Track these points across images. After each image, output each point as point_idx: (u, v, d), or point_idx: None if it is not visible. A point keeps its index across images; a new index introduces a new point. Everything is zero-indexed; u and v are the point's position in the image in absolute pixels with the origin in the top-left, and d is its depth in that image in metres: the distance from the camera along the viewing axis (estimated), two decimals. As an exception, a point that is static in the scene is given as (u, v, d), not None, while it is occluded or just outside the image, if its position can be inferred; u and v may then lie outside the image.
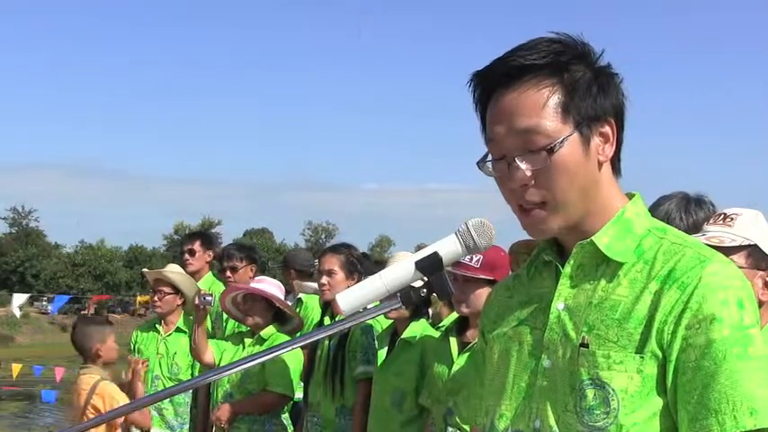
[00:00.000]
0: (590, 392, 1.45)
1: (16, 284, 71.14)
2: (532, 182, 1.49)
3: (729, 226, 2.50)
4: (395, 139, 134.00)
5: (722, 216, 2.55)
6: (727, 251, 2.36)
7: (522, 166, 1.48)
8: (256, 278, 5.31)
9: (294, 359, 4.91)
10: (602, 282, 1.51)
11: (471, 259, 3.53)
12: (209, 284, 6.16)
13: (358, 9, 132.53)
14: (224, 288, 5.91)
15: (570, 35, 1.52)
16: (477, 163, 1.55)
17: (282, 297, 5.14)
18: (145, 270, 6.33)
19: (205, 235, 6.64)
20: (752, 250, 2.44)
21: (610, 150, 1.52)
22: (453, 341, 3.71)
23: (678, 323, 1.41)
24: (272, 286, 5.08)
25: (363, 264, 4.80)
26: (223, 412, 4.80)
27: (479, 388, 1.74)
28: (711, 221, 2.58)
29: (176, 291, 5.87)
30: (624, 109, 1.56)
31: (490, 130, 1.53)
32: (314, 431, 4.57)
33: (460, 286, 3.58)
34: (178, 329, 5.86)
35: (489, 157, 1.54)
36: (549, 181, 1.48)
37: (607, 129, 1.52)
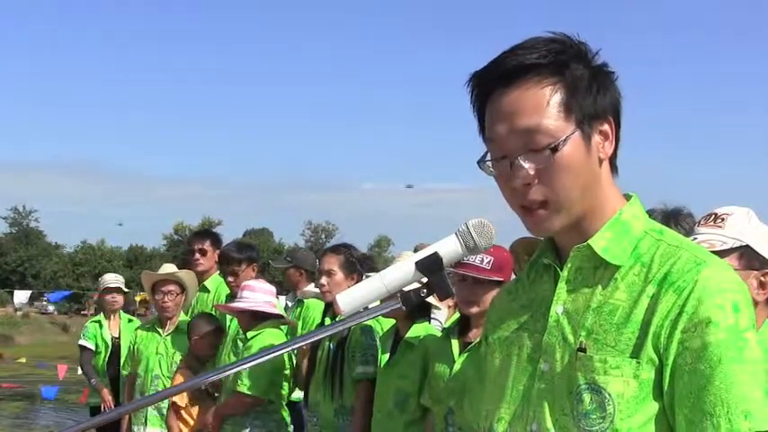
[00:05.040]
0: (586, 397, 1.45)
1: (16, 284, 71.13)
2: (535, 181, 1.48)
3: (720, 227, 2.46)
4: (396, 138, 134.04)
5: (713, 216, 2.51)
6: (719, 254, 2.33)
7: (525, 165, 1.47)
8: (244, 284, 5.24)
9: (273, 360, 4.89)
10: (600, 285, 1.51)
11: (482, 261, 3.54)
12: (217, 284, 6.16)
13: (357, 10, 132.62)
14: (228, 289, 5.90)
15: (567, 34, 1.52)
16: (478, 162, 1.54)
17: (273, 300, 5.15)
18: (147, 272, 6.25)
19: (214, 234, 6.62)
20: (744, 251, 2.40)
21: (609, 148, 1.52)
22: (455, 343, 3.71)
23: (674, 327, 1.41)
24: (263, 295, 5.08)
25: (364, 264, 4.80)
26: (209, 417, 5.01)
27: (480, 391, 1.73)
28: (702, 222, 2.54)
29: (181, 290, 5.86)
30: (621, 107, 1.56)
31: (491, 129, 1.51)
32: (313, 431, 4.58)
33: (470, 287, 3.59)
34: (177, 329, 5.85)
35: (489, 157, 1.54)
36: (551, 180, 1.47)
37: (607, 127, 1.51)
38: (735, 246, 2.40)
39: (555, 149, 1.46)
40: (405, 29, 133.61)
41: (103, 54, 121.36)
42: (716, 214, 2.51)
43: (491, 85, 1.51)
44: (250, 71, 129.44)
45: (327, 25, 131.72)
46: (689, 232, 2.69)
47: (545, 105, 1.47)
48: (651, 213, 2.84)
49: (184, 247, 8.23)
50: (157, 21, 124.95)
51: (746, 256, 2.40)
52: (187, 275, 5.96)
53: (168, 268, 6.15)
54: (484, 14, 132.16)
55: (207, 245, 6.24)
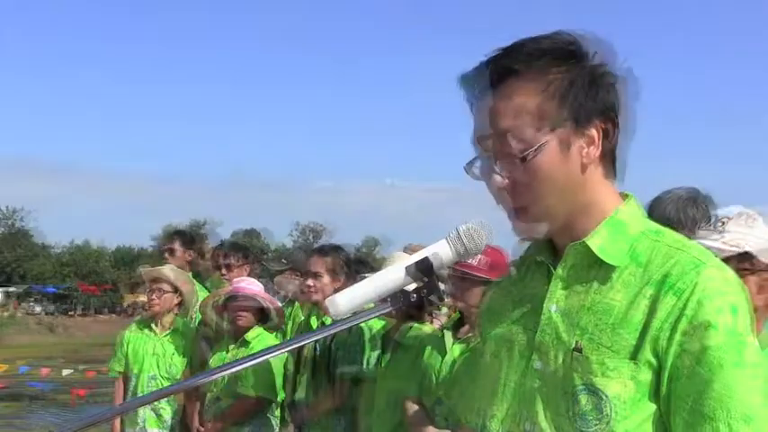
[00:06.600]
0: (583, 398, 1.44)
1: (3, 285, 70.69)
2: (511, 188, 1.48)
3: (719, 231, 2.48)
4: (388, 139, 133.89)
5: (713, 220, 2.54)
6: (747, 255, 2.37)
7: (500, 171, 1.48)
8: (236, 279, 5.30)
9: (276, 359, 4.93)
10: (595, 284, 1.49)
11: (476, 259, 3.57)
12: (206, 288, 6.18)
13: (360, 9, 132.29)
14: (204, 288, 5.93)
15: (560, 33, 1.50)
16: (464, 167, 1.54)
17: (266, 296, 5.21)
18: (141, 268, 6.27)
19: (184, 233, 6.63)
20: (744, 255, 2.42)
21: (595, 152, 1.49)
22: (448, 335, 3.77)
23: (674, 329, 1.39)
24: (255, 285, 5.14)
25: (352, 266, 4.84)
26: (211, 430, 5.04)
27: (471, 386, 1.75)
28: (703, 226, 2.57)
29: (174, 290, 5.88)
30: (616, 109, 1.51)
31: (474, 131, 1.52)
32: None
33: (456, 283, 3.64)
34: (173, 329, 5.87)
35: (475, 161, 1.53)
36: (526, 187, 1.48)
37: (592, 131, 1.48)
38: (731, 255, 2.40)
39: (524, 159, 1.45)
40: (404, 27, 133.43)
41: (98, 53, 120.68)
42: (716, 217, 2.54)
43: (475, 87, 1.51)
44: (246, 71, 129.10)
45: (325, 26, 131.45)
46: (705, 213, 2.75)
47: (521, 111, 1.46)
48: (668, 194, 2.91)
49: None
50: (155, 22, 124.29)
51: (746, 261, 2.42)
52: (179, 276, 5.93)
53: (167, 269, 6.14)
54: (473, 11, 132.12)
55: (176, 245, 6.28)
